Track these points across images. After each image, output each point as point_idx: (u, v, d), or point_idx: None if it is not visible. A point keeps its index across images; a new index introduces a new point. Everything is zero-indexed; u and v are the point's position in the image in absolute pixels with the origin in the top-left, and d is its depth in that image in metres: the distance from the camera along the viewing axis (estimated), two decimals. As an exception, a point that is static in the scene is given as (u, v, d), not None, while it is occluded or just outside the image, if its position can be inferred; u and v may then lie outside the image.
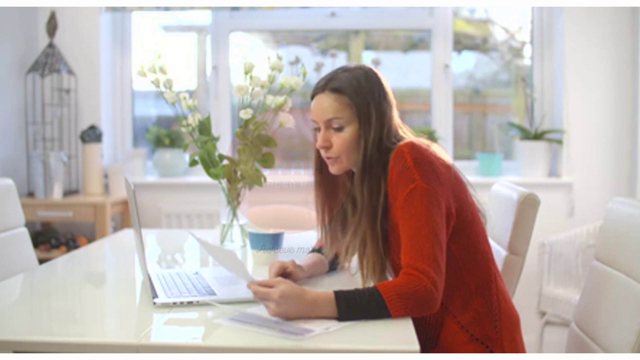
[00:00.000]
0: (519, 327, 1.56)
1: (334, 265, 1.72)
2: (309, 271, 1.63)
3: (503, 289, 1.56)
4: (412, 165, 1.40)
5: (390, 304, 1.29)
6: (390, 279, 1.47)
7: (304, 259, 1.68)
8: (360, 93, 1.47)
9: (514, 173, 3.51)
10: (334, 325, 1.26)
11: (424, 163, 1.41)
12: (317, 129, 1.53)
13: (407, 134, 1.54)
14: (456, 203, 1.46)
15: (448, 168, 1.47)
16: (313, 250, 1.75)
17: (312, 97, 1.53)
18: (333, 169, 1.54)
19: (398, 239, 1.42)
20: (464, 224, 1.48)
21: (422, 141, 1.49)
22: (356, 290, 1.33)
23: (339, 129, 1.49)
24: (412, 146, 1.43)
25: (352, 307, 1.29)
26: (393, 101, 1.53)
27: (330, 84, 1.49)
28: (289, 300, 1.27)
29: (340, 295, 1.30)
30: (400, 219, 1.40)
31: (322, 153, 1.53)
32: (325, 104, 1.49)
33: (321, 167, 1.60)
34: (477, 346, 1.47)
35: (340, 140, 1.49)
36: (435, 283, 1.33)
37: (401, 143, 1.45)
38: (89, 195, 3.31)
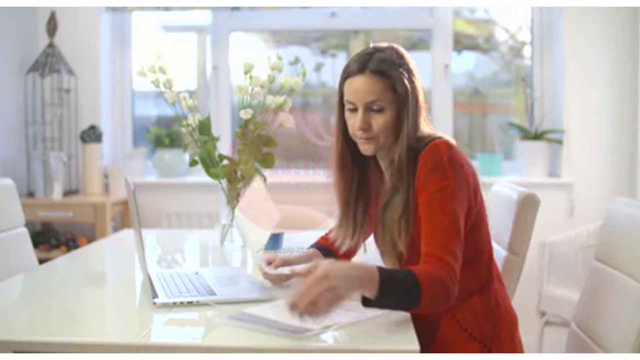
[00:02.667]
0: (517, 328, 1.56)
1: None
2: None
3: (502, 289, 1.56)
4: (447, 163, 1.41)
5: (423, 285, 1.29)
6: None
7: (300, 254, 1.66)
8: (401, 75, 1.46)
9: (514, 173, 3.51)
10: (335, 323, 1.26)
11: (457, 164, 1.43)
12: (353, 110, 1.50)
13: (433, 129, 1.54)
14: (474, 207, 1.47)
15: (473, 173, 1.48)
16: (313, 247, 1.72)
17: (346, 78, 1.50)
18: (368, 149, 1.51)
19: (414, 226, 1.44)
20: (474, 226, 1.49)
21: (451, 141, 1.50)
22: (393, 269, 1.34)
23: (380, 111, 1.47)
24: (448, 145, 1.44)
25: (391, 284, 1.27)
26: (420, 78, 1.52)
27: (370, 66, 1.46)
28: (335, 281, 1.23)
29: (384, 273, 1.28)
30: (427, 211, 1.41)
31: (359, 134, 1.50)
32: (367, 86, 1.46)
33: (344, 149, 1.57)
34: (475, 345, 1.47)
35: (381, 121, 1.47)
36: (456, 275, 1.35)
37: (436, 139, 1.46)
38: (89, 195, 3.31)
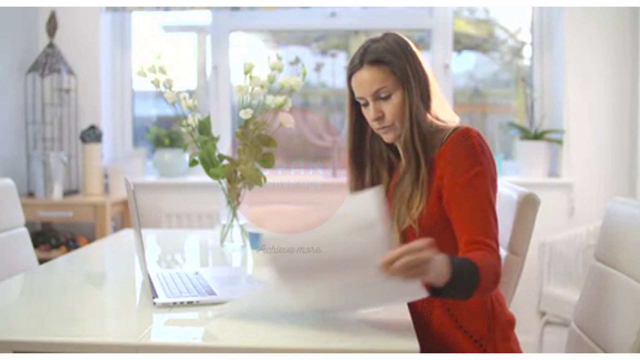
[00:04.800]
0: (513, 328, 1.56)
1: None
2: None
3: (497, 291, 1.56)
4: (479, 149, 1.44)
5: (482, 273, 1.31)
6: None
7: None
8: (398, 58, 1.49)
9: (514, 173, 3.51)
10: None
11: (487, 152, 1.46)
12: (365, 105, 1.54)
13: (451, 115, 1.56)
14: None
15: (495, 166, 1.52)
16: None
17: (350, 76, 1.54)
18: (388, 138, 1.55)
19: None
20: None
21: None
22: (458, 258, 1.32)
23: (387, 98, 1.50)
24: (479, 134, 1.47)
25: (460, 274, 1.26)
26: (425, 63, 1.54)
27: (367, 58, 1.50)
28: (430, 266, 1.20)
29: (454, 261, 1.27)
30: (462, 197, 1.43)
31: (376, 125, 1.53)
32: (368, 77, 1.50)
33: (356, 143, 1.60)
34: (471, 344, 1.47)
35: (391, 107, 1.50)
36: (501, 260, 1.38)
37: (467, 125, 1.49)
38: (89, 195, 3.31)
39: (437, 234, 1.45)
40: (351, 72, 1.54)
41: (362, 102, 1.54)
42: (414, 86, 1.49)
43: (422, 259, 1.14)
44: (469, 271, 1.30)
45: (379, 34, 1.55)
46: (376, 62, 1.49)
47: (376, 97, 1.51)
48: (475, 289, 1.31)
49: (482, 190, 1.42)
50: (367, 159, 1.62)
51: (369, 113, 1.53)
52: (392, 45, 1.51)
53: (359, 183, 1.62)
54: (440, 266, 1.23)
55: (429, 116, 1.52)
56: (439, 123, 1.53)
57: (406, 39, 1.55)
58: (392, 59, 1.49)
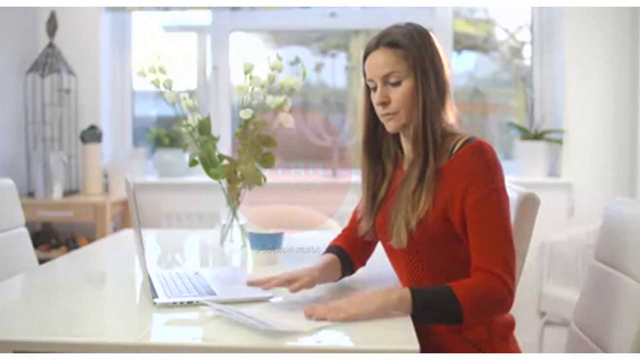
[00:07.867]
0: (512, 330, 1.55)
1: (348, 272, 1.62)
2: (321, 276, 1.51)
3: None
4: (492, 166, 1.41)
5: (463, 302, 1.31)
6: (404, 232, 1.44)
7: (316, 261, 1.56)
8: (415, 46, 1.45)
9: (514, 173, 3.50)
10: (325, 324, 1.25)
11: (499, 168, 1.44)
12: (374, 88, 1.50)
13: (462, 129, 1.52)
14: None
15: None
16: (329, 250, 1.63)
17: (365, 57, 1.50)
18: (391, 126, 1.50)
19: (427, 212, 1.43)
20: None
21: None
22: (431, 289, 1.36)
23: (397, 84, 1.46)
24: (492, 149, 1.45)
25: (427, 306, 1.31)
26: (447, 62, 1.50)
27: (384, 39, 1.46)
28: (359, 303, 1.30)
29: (416, 293, 1.31)
30: (474, 217, 1.39)
31: (380, 110, 1.49)
32: (381, 59, 1.46)
33: (370, 131, 1.56)
34: (469, 348, 1.46)
35: (399, 94, 1.46)
36: (509, 288, 1.35)
37: (479, 138, 1.46)
38: (89, 195, 3.31)
39: (439, 245, 1.45)
40: (366, 52, 1.50)
41: (371, 84, 1.50)
42: (430, 77, 1.45)
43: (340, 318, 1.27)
44: (441, 300, 1.32)
45: (403, 22, 1.51)
46: (392, 44, 1.45)
47: (385, 81, 1.46)
48: (461, 316, 1.31)
49: (495, 210, 1.38)
50: (381, 150, 1.58)
51: (375, 97, 1.49)
52: (412, 32, 1.46)
53: (371, 176, 1.57)
54: (397, 301, 1.31)
55: (443, 114, 1.47)
56: (451, 126, 1.48)
57: (430, 32, 1.51)
58: (409, 44, 1.45)
